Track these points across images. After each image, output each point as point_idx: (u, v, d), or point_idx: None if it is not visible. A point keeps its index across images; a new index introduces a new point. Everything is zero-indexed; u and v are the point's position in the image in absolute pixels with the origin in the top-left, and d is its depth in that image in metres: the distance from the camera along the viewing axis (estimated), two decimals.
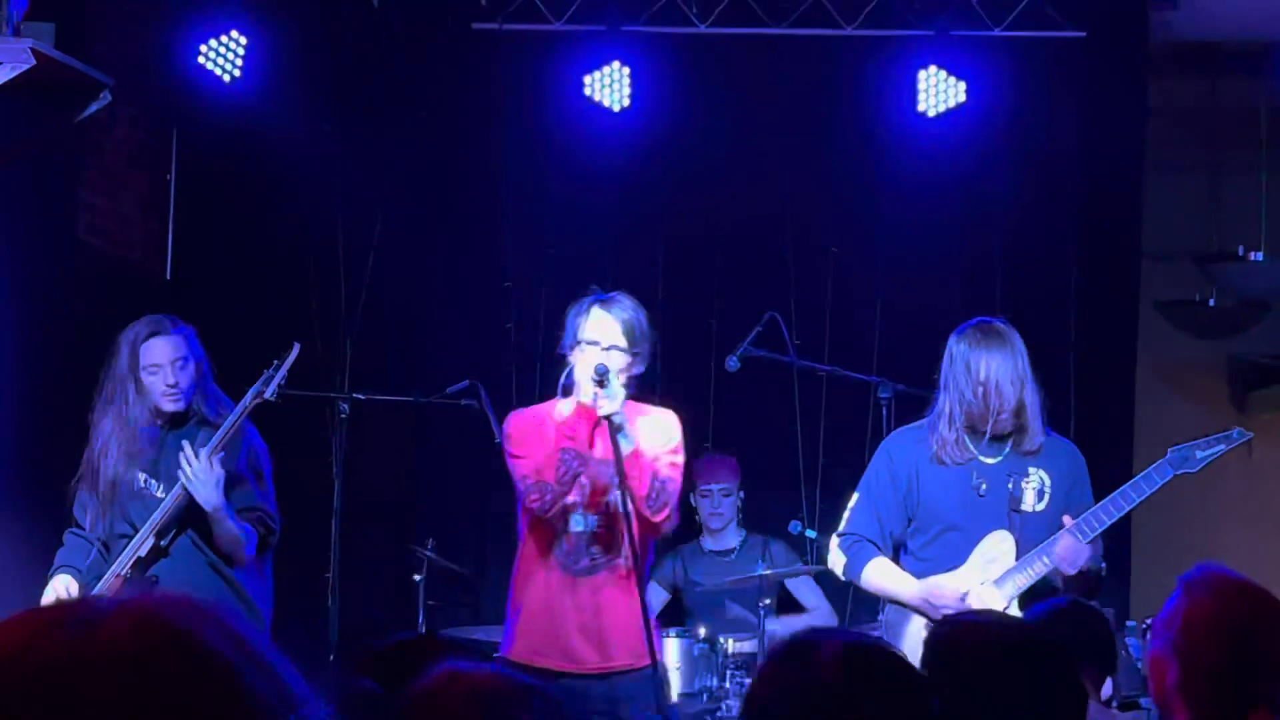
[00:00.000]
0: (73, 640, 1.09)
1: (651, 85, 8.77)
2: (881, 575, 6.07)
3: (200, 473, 5.99)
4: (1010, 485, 5.97)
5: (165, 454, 6.18)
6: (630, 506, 5.74)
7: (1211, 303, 10.13)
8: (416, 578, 7.75)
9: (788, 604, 8.20)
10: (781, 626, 7.96)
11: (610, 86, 8.68)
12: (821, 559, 7.97)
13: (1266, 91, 9.05)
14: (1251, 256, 9.75)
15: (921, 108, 8.60)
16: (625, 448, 5.71)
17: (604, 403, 5.71)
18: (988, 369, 5.90)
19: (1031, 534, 5.96)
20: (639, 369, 5.92)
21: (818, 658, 2.28)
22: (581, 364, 5.85)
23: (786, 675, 2.30)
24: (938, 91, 8.58)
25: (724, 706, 7.43)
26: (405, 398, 7.93)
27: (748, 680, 7.46)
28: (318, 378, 7.97)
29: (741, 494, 8.31)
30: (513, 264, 8.89)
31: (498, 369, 8.59)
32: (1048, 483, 6.00)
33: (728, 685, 7.48)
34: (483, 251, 8.98)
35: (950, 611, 5.86)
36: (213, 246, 8.90)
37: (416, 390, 7.98)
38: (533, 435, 5.96)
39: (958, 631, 3.32)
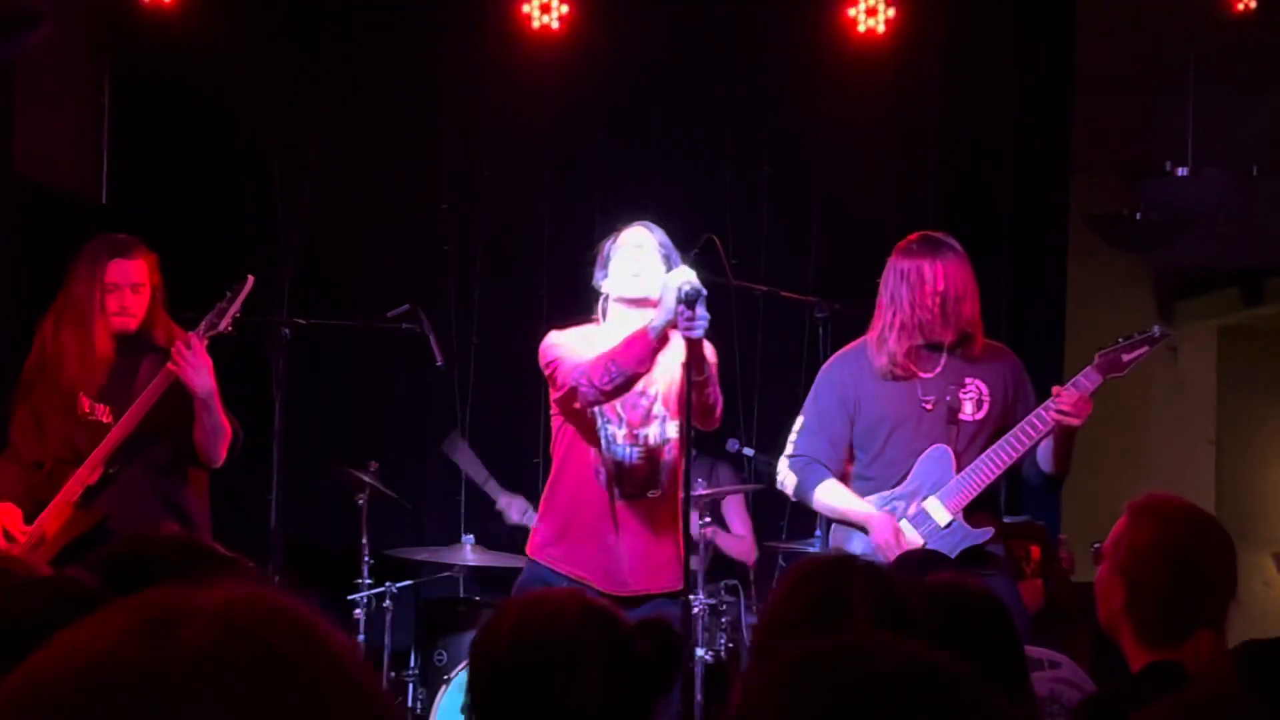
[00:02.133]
0: (157, 649, 1.11)
1: (587, 6, 8.78)
2: (832, 496, 6.11)
3: (195, 358, 5.96)
4: (949, 397, 6.02)
5: (113, 379, 6.15)
6: (687, 430, 5.63)
7: (1138, 216, 10.27)
8: (359, 500, 7.79)
9: (720, 525, 8.28)
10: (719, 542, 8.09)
11: (545, 7, 8.68)
12: (760, 477, 8.09)
13: (1195, 8, 9.12)
14: (1178, 171, 9.88)
15: (854, 27, 8.65)
16: (673, 369, 5.70)
17: (675, 276, 5.64)
18: (945, 275, 5.94)
19: (969, 441, 6.01)
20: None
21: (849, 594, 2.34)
22: (625, 263, 5.88)
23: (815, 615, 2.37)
24: (871, 12, 8.63)
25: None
26: (346, 321, 7.94)
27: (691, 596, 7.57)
28: (258, 302, 7.97)
29: None
30: (449, 187, 8.90)
31: (437, 292, 8.61)
32: (985, 391, 6.05)
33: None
34: (420, 174, 8.98)
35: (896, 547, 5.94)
36: (149, 172, 8.87)
37: (357, 314, 7.99)
38: (578, 346, 5.86)
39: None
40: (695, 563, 7.72)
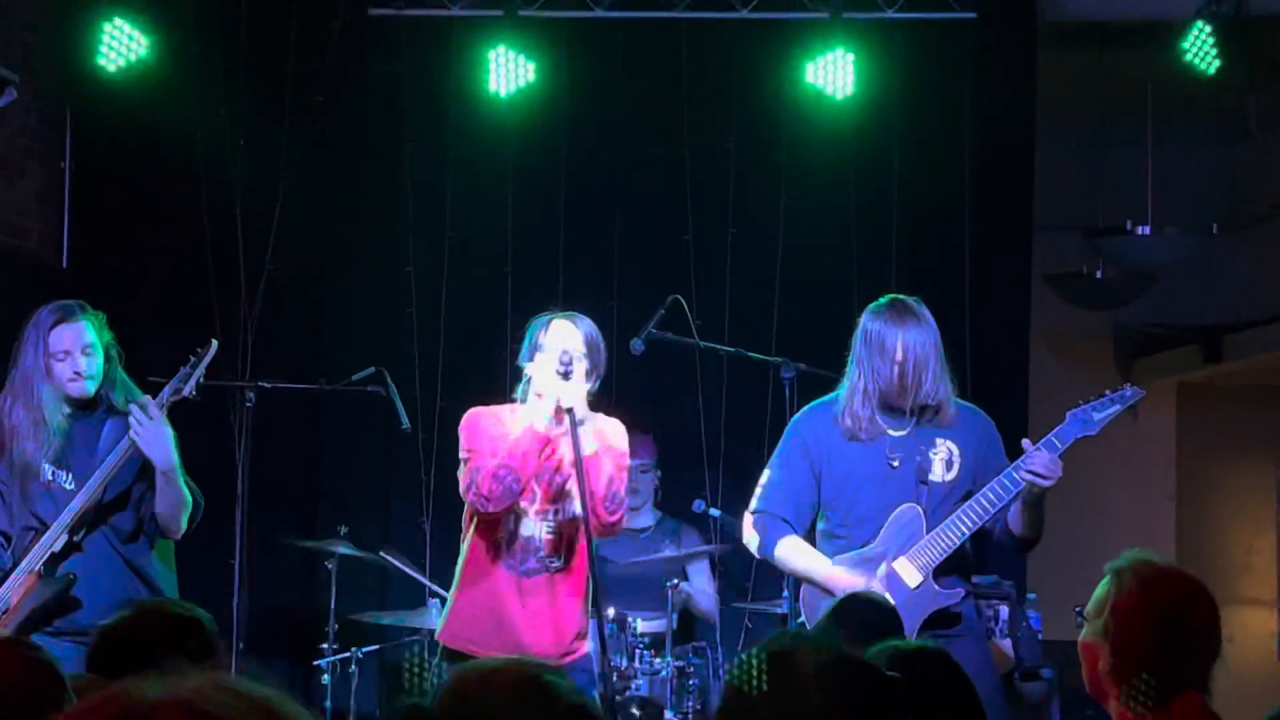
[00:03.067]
0: None
1: (549, 69, 8.81)
2: (794, 553, 6.10)
3: (155, 428, 5.88)
4: (919, 458, 6.01)
5: (73, 445, 6.07)
6: (586, 506, 5.71)
7: (1099, 274, 10.31)
8: (328, 565, 7.75)
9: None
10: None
11: (508, 71, 8.70)
12: (726, 538, 8.08)
13: (1153, 66, 9.19)
14: (1138, 230, 9.93)
15: (817, 89, 8.69)
16: (586, 447, 5.72)
17: (568, 393, 5.74)
18: (905, 347, 5.94)
19: (939, 503, 6.00)
20: (595, 383, 5.95)
21: (795, 669, 2.34)
22: (543, 366, 5.87)
23: (763, 688, 2.35)
24: (830, 73, 8.67)
25: (633, 685, 7.48)
26: (310, 385, 7.92)
27: (656, 660, 7.55)
28: (220, 366, 7.93)
29: (658, 473, 8.38)
30: (414, 249, 8.89)
31: (401, 354, 8.59)
32: (956, 452, 6.04)
33: (636, 664, 7.53)
34: (384, 237, 8.97)
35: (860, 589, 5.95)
36: (110, 235, 8.86)
37: (321, 377, 7.97)
38: (490, 432, 5.95)
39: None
40: (662, 625, 7.71)
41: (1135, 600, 3.29)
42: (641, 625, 7.69)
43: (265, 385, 7.46)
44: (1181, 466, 11.49)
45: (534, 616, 5.96)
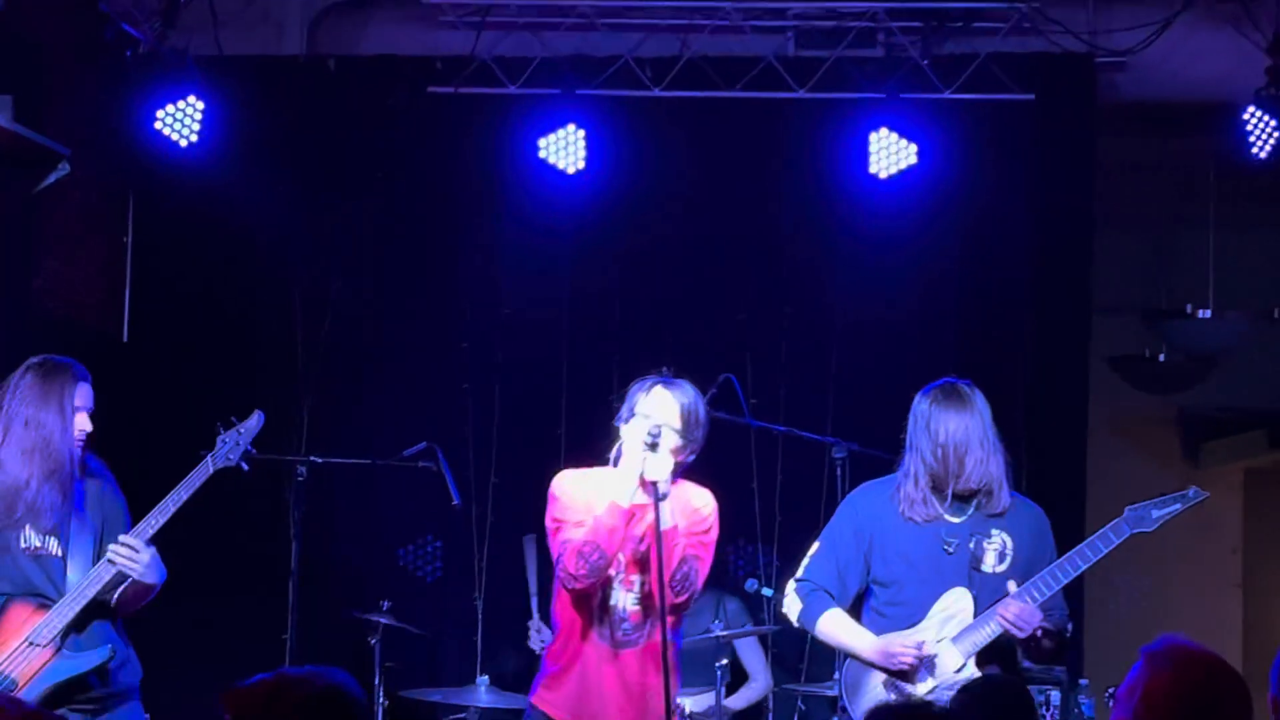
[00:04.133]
0: None
1: (606, 147, 8.83)
2: (837, 627, 6.09)
3: (144, 560, 5.78)
4: (973, 545, 6.01)
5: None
6: (661, 582, 5.60)
7: (1161, 358, 10.24)
8: (371, 640, 7.74)
9: (734, 665, 8.20)
10: (734, 700, 8.01)
11: (565, 149, 8.73)
12: (778, 617, 8.02)
13: (1214, 150, 9.15)
14: (1199, 314, 9.87)
15: (874, 169, 8.67)
16: (665, 520, 5.62)
17: (652, 466, 5.65)
18: (947, 431, 5.97)
19: (990, 594, 5.99)
20: (689, 457, 5.85)
21: None
22: (633, 433, 5.75)
23: None
24: (889, 153, 8.66)
25: None
26: (363, 460, 7.93)
27: None
28: (274, 440, 7.96)
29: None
30: (469, 325, 8.92)
31: (455, 430, 8.60)
32: (1009, 545, 6.04)
33: None
34: (439, 313, 9.00)
35: (907, 667, 5.92)
36: (170, 308, 8.93)
37: (373, 452, 7.98)
38: (578, 501, 5.83)
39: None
40: (711, 704, 7.65)
41: (1166, 683, 3.24)
42: (689, 705, 7.63)
43: (317, 460, 7.49)
44: (1248, 554, 11.35)
45: (625, 688, 5.85)
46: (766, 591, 8.15)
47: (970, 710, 4.13)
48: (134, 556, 5.76)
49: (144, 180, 8.94)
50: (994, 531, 6.04)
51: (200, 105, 8.55)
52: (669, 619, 5.72)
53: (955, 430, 5.97)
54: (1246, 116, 8.37)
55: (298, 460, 7.55)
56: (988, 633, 5.94)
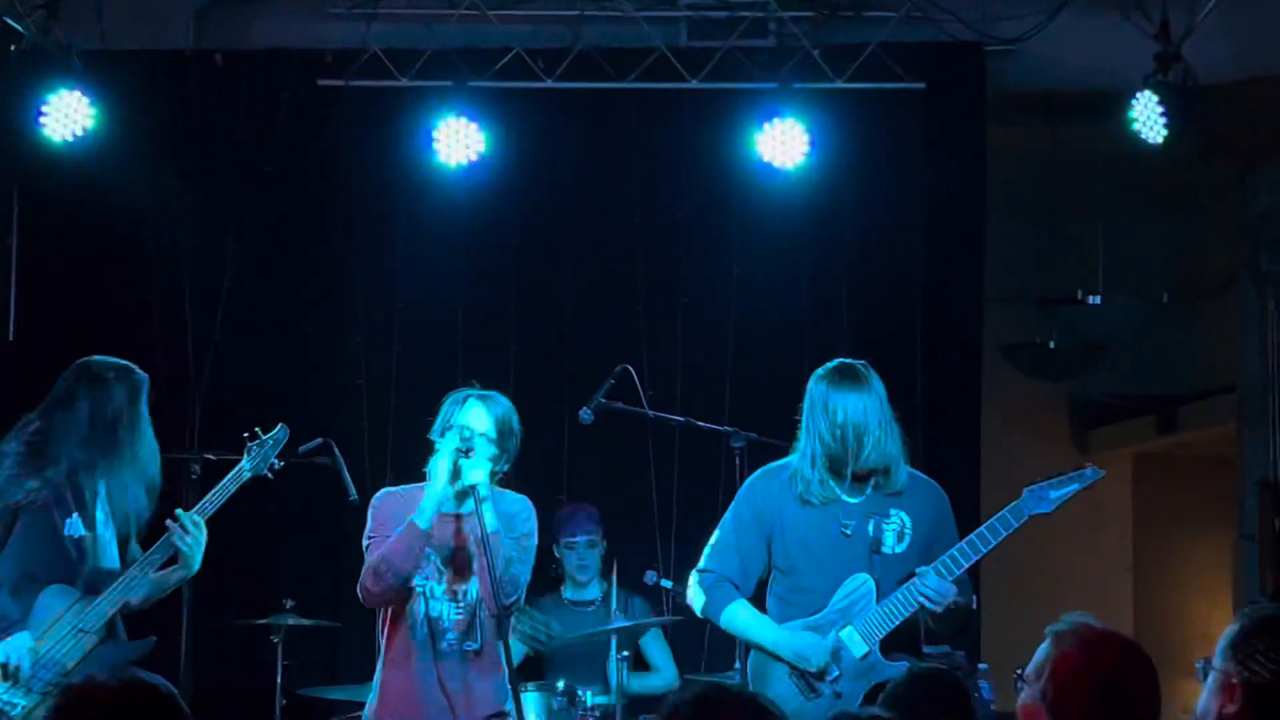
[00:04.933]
0: None
1: (500, 140, 8.79)
2: (744, 621, 6.09)
3: (201, 542, 6.07)
4: (871, 527, 6.00)
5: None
6: (491, 581, 5.72)
7: (1052, 345, 10.33)
8: (274, 639, 7.66)
9: (638, 660, 8.19)
10: (637, 683, 7.97)
11: (458, 141, 8.68)
12: (678, 609, 8.02)
13: (1103, 137, 9.22)
14: (1090, 300, 9.96)
15: (768, 159, 8.68)
16: (488, 523, 5.71)
17: (470, 470, 5.77)
18: (845, 412, 5.94)
19: (892, 575, 5.99)
20: (503, 466, 5.99)
21: None
22: (448, 444, 5.89)
23: None
24: (782, 143, 8.67)
25: None
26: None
27: None
28: (166, 438, 7.86)
29: (604, 544, 8.32)
30: (363, 320, 8.85)
31: (350, 426, 8.53)
32: (908, 524, 6.04)
33: None
34: (333, 308, 8.93)
35: (818, 667, 5.92)
36: (57, 307, 8.79)
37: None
38: (395, 517, 5.97)
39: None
40: (612, 700, 7.62)
41: (1074, 663, 3.25)
42: (591, 698, 7.60)
43: (211, 457, 7.39)
44: (1138, 537, 11.49)
45: (451, 698, 5.95)
46: (666, 583, 8.13)
47: (910, 702, 4.13)
48: (196, 536, 6.03)
49: (29, 178, 8.80)
50: (892, 511, 6.03)
51: (85, 99, 8.41)
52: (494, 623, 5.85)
53: (853, 411, 5.94)
54: (1135, 103, 8.43)
55: (191, 458, 7.46)
56: (893, 615, 5.94)
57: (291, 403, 8.77)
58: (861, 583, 5.99)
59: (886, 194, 9.03)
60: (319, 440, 7.41)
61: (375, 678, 6.13)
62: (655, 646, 8.32)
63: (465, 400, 6.01)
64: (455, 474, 5.82)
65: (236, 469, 6.28)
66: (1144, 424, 11.12)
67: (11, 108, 8.47)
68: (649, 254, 8.95)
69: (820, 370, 6.13)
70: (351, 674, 8.28)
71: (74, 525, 5.98)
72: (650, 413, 7.29)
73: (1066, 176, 10.09)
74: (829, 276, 8.99)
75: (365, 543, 6.02)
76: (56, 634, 5.90)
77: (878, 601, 5.97)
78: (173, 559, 6.08)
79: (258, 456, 6.35)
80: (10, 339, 8.81)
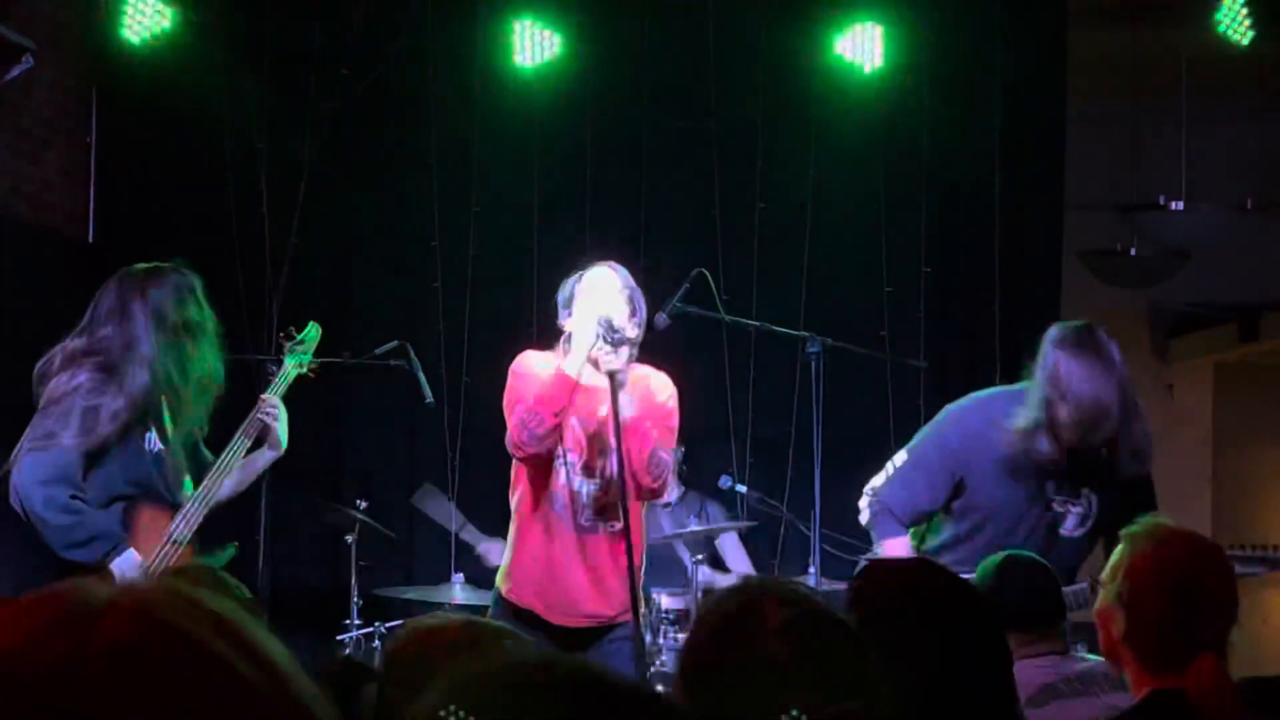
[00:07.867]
0: (72, 640, 1.07)
1: (575, 41, 8.74)
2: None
3: (282, 418, 6.15)
4: (1057, 504, 5.74)
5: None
6: (627, 469, 5.60)
7: (1133, 252, 10.21)
8: (348, 539, 7.72)
9: (715, 563, 8.20)
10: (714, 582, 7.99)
11: (535, 43, 8.64)
12: (752, 513, 8.03)
13: (1187, 41, 9.08)
14: (1172, 206, 9.83)
15: (846, 60, 8.61)
16: (626, 410, 5.60)
17: (609, 357, 5.65)
18: (1086, 390, 5.46)
19: (1064, 559, 5.58)
20: (638, 334, 5.88)
21: (760, 626, 2.27)
22: (582, 320, 5.75)
23: (726, 646, 2.29)
24: (862, 46, 8.59)
25: (657, 662, 7.42)
26: (334, 359, 7.86)
27: (680, 636, 7.49)
28: (244, 340, 7.92)
29: (682, 449, 8.30)
30: (439, 223, 8.84)
31: (425, 329, 8.54)
32: (1094, 509, 5.75)
33: (661, 641, 7.47)
34: (409, 211, 8.92)
35: None
36: (136, 209, 8.83)
37: (345, 351, 7.91)
38: (536, 376, 5.82)
39: (880, 579, 3.19)
40: (688, 602, 7.64)
41: (1148, 561, 3.24)
42: (665, 601, 7.63)
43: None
44: (1218, 447, 11.38)
45: (590, 574, 5.86)
46: (740, 488, 8.14)
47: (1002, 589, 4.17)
48: (272, 412, 6.11)
49: (106, 79, 8.82)
50: (1083, 491, 5.76)
51: (162, 2, 8.43)
52: (637, 507, 5.71)
53: (1094, 388, 5.45)
54: (1222, 3, 8.29)
55: (269, 359, 7.49)
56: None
57: (368, 305, 8.82)
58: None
59: (965, 98, 8.94)
60: (395, 343, 7.44)
61: (509, 550, 6.05)
62: (732, 549, 8.33)
63: (586, 269, 5.93)
64: (591, 348, 5.68)
65: (283, 372, 6.33)
66: (1225, 332, 10.99)
67: (89, 10, 8.48)
68: (725, 158, 8.89)
69: (1060, 331, 5.67)
70: (425, 576, 8.36)
71: (152, 440, 5.93)
72: (726, 317, 7.25)
73: (1150, 80, 9.94)
74: (907, 181, 8.91)
75: (508, 401, 5.86)
76: (156, 548, 5.88)
77: None
78: (257, 443, 6.13)
79: (299, 355, 6.40)
80: (90, 240, 8.85)
